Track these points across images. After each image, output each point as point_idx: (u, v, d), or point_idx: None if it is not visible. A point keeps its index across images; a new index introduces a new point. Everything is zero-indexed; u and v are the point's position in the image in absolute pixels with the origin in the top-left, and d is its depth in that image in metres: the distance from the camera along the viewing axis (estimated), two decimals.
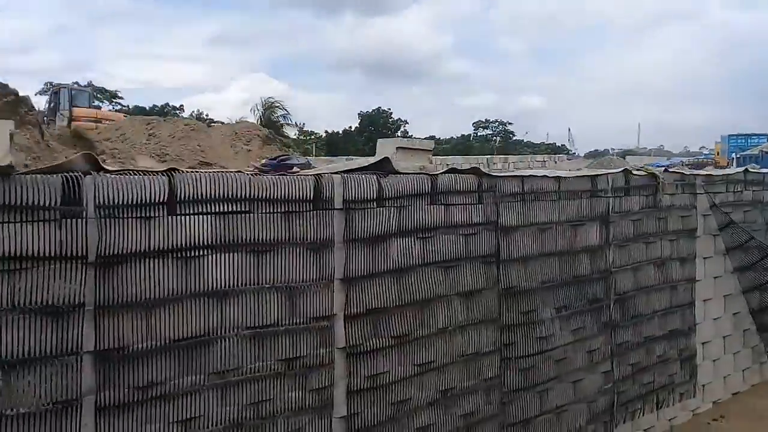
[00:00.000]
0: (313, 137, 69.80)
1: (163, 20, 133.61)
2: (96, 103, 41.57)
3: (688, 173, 6.83)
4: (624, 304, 5.76)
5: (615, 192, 5.67)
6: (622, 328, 5.74)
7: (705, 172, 7.41)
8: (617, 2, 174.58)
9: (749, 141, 36.86)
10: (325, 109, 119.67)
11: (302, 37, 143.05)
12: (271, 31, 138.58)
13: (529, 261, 4.87)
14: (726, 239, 6.91)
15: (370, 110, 74.77)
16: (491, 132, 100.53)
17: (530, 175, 4.92)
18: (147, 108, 66.77)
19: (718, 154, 39.27)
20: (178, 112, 68.62)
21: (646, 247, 6.01)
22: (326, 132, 68.59)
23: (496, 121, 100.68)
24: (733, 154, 33.81)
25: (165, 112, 67.24)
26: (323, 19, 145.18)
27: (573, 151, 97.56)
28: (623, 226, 5.74)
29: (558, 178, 5.15)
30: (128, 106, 66.55)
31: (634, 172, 6.02)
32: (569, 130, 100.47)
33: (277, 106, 58.16)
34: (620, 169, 6.00)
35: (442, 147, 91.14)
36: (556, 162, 47.06)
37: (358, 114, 75.47)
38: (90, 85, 65.65)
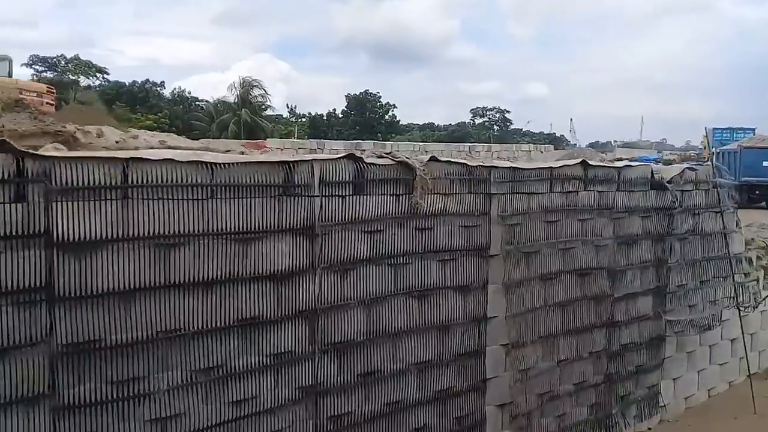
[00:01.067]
0: (298, 120, 68.90)
1: None
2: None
3: (475, 165, 4.57)
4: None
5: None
6: None
7: (515, 165, 4.91)
8: None
9: (734, 134, 36.47)
10: (327, 91, 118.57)
11: (309, 18, 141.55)
12: (278, 10, 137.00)
13: None
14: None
15: (358, 93, 73.56)
16: (489, 120, 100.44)
17: None
18: (126, 84, 65.27)
19: (705, 147, 38.80)
20: (158, 89, 67.19)
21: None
22: (309, 114, 67.26)
23: (494, 108, 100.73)
24: (714, 148, 33.36)
25: (146, 88, 65.89)
26: (332, 0, 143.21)
27: (574, 142, 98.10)
28: (332, 240, 3.75)
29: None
30: (108, 80, 65.45)
31: (375, 161, 3.98)
32: (571, 120, 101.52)
33: (255, 86, 57.36)
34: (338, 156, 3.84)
35: (439, 134, 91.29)
36: (542, 152, 46.73)
37: (345, 96, 74.32)
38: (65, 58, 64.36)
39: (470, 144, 57.67)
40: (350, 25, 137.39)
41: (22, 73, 60.12)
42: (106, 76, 65.96)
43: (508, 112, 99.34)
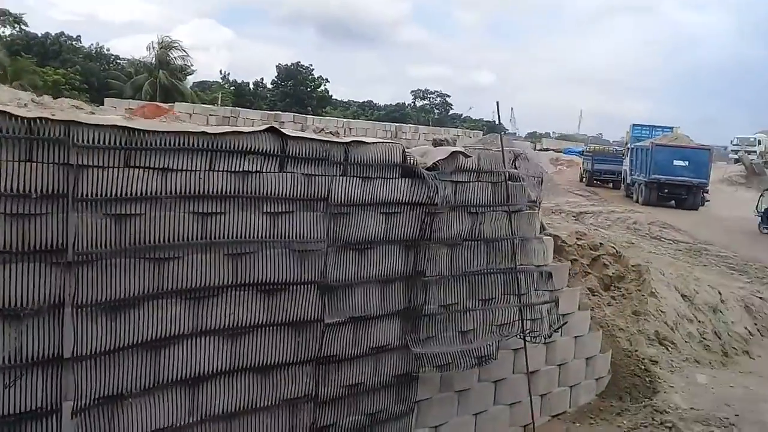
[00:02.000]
0: (228, 87, 65.73)
1: None
2: None
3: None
4: None
5: None
6: None
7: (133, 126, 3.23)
8: None
9: (653, 132, 35.97)
10: (271, 62, 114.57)
11: None
12: None
13: None
14: None
15: (289, 64, 70.82)
16: (429, 103, 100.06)
17: None
18: (39, 35, 60.76)
19: (627, 143, 38.36)
20: (74, 43, 62.91)
21: None
22: (230, 81, 64.21)
23: (436, 92, 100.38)
24: (629, 145, 32.81)
25: (60, 42, 61.58)
26: None
27: (513, 131, 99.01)
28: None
29: None
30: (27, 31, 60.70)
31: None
32: (512, 109, 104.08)
33: (174, 47, 54.27)
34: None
35: (378, 113, 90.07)
36: (470, 137, 45.80)
37: (276, 67, 71.46)
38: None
39: (397, 125, 56.50)
40: None
41: None
42: (24, 27, 61.39)
43: (449, 96, 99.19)
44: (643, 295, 7.24)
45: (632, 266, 7.65)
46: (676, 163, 26.74)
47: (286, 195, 3.73)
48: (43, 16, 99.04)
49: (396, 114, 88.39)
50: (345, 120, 52.09)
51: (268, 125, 3.70)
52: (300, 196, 3.80)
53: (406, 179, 4.35)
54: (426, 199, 4.42)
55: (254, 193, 3.60)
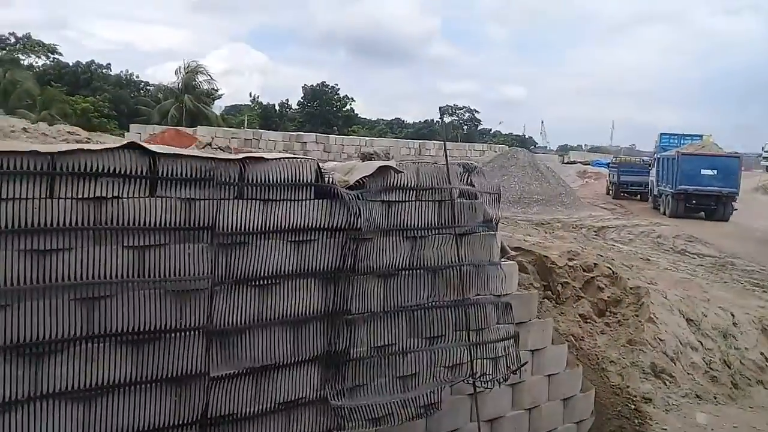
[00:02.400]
0: (254, 109, 66.08)
1: None
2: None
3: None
4: None
5: None
6: None
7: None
8: None
9: (682, 141, 34.74)
10: (303, 83, 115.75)
11: (289, 10, 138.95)
12: (258, 0, 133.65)
13: None
14: None
15: (314, 84, 71.02)
16: (457, 119, 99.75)
17: None
18: (70, 64, 62.03)
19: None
20: (104, 71, 64.03)
21: None
22: (259, 104, 64.56)
23: (464, 107, 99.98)
24: (657, 155, 31.62)
25: (91, 70, 62.73)
26: None
27: (544, 144, 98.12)
28: None
29: None
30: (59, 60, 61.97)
31: None
32: (542, 122, 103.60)
33: (200, 71, 54.85)
34: None
35: (406, 131, 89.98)
36: (495, 152, 44.98)
37: (302, 87, 71.73)
38: None
39: (421, 141, 56.04)
40: (331, 20, 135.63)
41: None
42: (57, 57, 62.73)
43: (477, 111, 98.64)
44: (640, 321, 6.45)
45: (630, 289, 6.87)
46: (703, 172, 25.55)
47: (156, 224, 3.13)
48: (81, 46, 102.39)
49: (425, 131, 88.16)
50: (368, 138, 51.90)
51: (129, 140, 3.12)
52: (176, 224, 3.20)
53: (322, 201, 3.73)
54: (346, 223, 3.78)
55: (112, 224, 3.01)
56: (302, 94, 70.95)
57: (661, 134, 36.06)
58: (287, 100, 71.11)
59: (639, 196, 33.93)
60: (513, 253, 5.42)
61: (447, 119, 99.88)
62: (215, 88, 60.41)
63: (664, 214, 27.58)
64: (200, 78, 54.93)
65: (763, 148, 35.97)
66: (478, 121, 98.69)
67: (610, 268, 6.97)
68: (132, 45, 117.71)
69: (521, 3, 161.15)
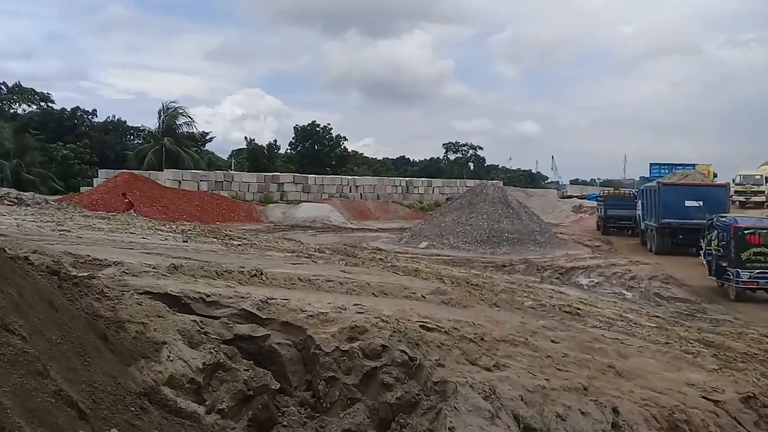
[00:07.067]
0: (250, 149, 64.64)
1: (163, 31, 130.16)
2: None
3: None
4: None
5: None
6: None
7: None
8: (612, 34, 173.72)
9: (673, 170, 32.23)
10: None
11: (302, 55, 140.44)
12: (271, 46, 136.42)
13: None
14: None
15: (306, 124, 69.66)
16: (461, 155, 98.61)
17: None
18: (56, 109, 61.29)
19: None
20: (90, 117, 63.19)
21: None
22: (247, 145, 63.21)
23: (466, 144, 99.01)
24: (642, 186, 29.14)
25: (76, 116, 61.87)
26: (328, 38, 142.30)
27: (556, 179, 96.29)
28: None
29: None
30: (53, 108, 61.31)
31: None
32: (552, 158, 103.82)
33: (181, 113, 53.58)
34: None
35: (412, 169, 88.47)
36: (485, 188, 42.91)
37: (294, 128, 70.38)
38: None
39: (408, 179, 54.11)
40: (344, 63, 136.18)
41: None
42: (50, 104, 62.08)
43: (481, 148, 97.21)
44: None
45: (434, 383, 4.54)
46: (688, 204, 22.99)
47: None
48: (97, 96, 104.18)
49: (431, 169, 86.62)
50: (350, 177, 50.02)
51: None
52: None
53: None
54: None
55: None
56: (293, 134, 69.64)
57: (651, 164, 33.61)
58: (275, 140, 69.73)
59: (630, 231, 31.31)
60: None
61: (451, 156, 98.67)
62: (203, 131, 59.35)
63: (651, 250, 25.05)
64: (180, 120, 53.62)
65: (733, 180, 30.41)
66: (482, 158, 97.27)
67: (405, 352, 4.62)
68: (147, 93, 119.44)
69: (532, 41, 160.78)
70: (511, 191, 35.66)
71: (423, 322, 5.58)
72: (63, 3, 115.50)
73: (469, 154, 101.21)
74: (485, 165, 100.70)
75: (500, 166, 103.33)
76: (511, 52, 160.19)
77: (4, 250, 4.16)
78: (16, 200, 20.18)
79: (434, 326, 5.54)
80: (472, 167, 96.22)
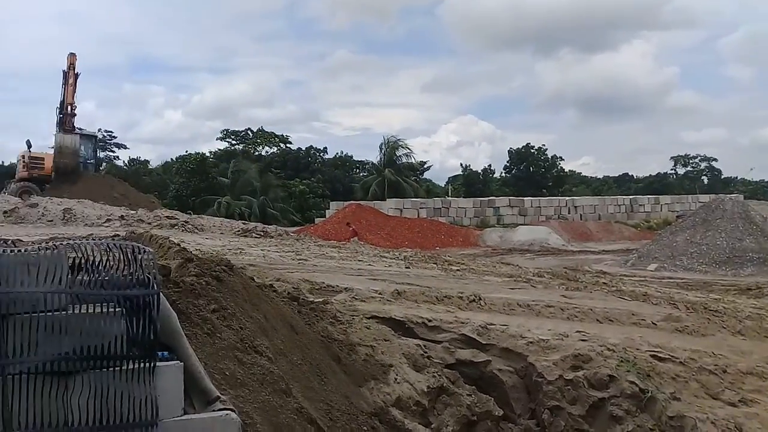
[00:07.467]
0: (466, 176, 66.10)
1: (383, 70, 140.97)
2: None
3: None
4: None
5: None
6: None
7: None
8: None
9: None
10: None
11: (514, 78, 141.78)
12: (482, 73, 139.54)
13: None
14: None
15: (520, 147, 69.08)
16: (692, 169, 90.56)
17: None
18: (293, 149, 68.12)
19: None
20: (321, 154, 69.04)
21: None
22: (462, 171, 64.24)
23: (698, 156, 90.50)
24: None
25: (310, 155, 68.00)
26: (539, 59, 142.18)
27: None
28: None
29: None
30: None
31: None
32: None
33: (401, 145, 56.32)
34: None
35: (635, 186, 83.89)
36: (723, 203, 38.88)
37: (508, 151, 70.17)
38: None
39: (633, 197, 50.94)
40: (557, 82, 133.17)
41: (217, 146, 67.19)
42: (288, 145, 69.47)
43: (716, 160, 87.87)
44: None
45: (670, 418, 4.12)
46: None
47: None
48: (327, 134, 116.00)
49: (657, 185, 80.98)
50: (569, 198, 48.44)
51: None
52: None
53: None
54: None
55: None
56: (508, 158, 69.38)
57: None
58: (490, 165, 70.06)
59: None
60: None
61: (681, 170, 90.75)
62: (421, 161, 61.71)
63: None
64: (400, 152, 56.40)
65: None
66: (717, 169, 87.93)
67: (635, 383, 4.32)
68: (370, 128, 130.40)
69: (763, 39, 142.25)
70: (754, 205, 31.84)
71: (654, 351, 5.22)
72: (298, 53, 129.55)
73: (701, 167, 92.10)
74: (722, 178, 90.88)
75: (739, 178, 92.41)
76: (744, 53, 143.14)
77: (253, 279, 4.72)
78: (262, 233, 22.60)
79: (667, 356, 5.16)
80: (705, 181, 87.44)
